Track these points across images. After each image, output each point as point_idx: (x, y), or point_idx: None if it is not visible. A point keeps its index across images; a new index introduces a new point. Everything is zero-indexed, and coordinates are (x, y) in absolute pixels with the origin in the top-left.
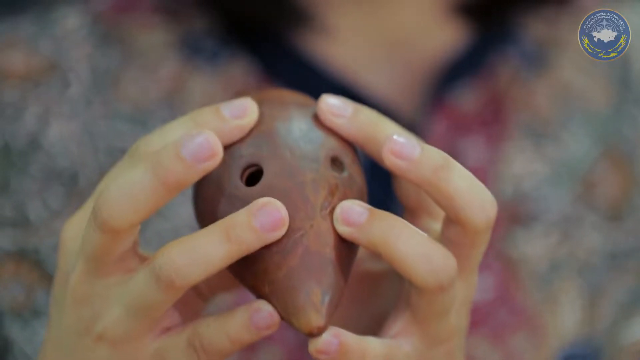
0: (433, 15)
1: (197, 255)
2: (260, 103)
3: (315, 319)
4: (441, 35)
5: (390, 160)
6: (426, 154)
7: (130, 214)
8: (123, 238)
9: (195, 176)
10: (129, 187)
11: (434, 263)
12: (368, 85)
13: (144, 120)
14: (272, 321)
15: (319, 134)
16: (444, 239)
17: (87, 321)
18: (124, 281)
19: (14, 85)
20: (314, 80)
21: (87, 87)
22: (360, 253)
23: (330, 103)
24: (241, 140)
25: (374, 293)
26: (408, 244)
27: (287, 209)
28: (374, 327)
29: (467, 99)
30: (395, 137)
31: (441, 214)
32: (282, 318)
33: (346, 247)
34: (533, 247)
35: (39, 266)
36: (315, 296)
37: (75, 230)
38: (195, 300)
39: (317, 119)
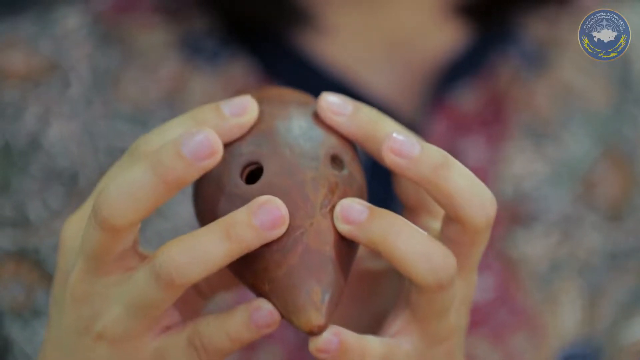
0: (433, 15)
1: (197, 253)
2: (260, 101)
3: (316, 317)
4: (441, 35)
5: (389, 158)
6: (426, 152)
7: (130, 212)
8: (123, 236)
9: (195, 174)
10: (128, 186)
11: (434, 262)
12: (368, 85)
13: (144, 120)
14: (272, 320)
15: (319, 132)
16: (443, 237)
17: (87, 320)
18: (124, 280)
19: (14, 85)
20: (314, 80)
21: (87, 87)
22: (360, 251)
23: (330, 101)
24: (241, 138)
25: (374, 291)
26: (408, 242)
27: (287, 207)
28: (373, 325)
29: (467, 98)
30: (395, 135)
31: (441, 212)
32: (282, 316)
33: (346, 246)
34: (533, 247)
35: (39, 266)
36: (315, 295)
37: (75, 229)
38: (196, 299)
39: (317, 117)
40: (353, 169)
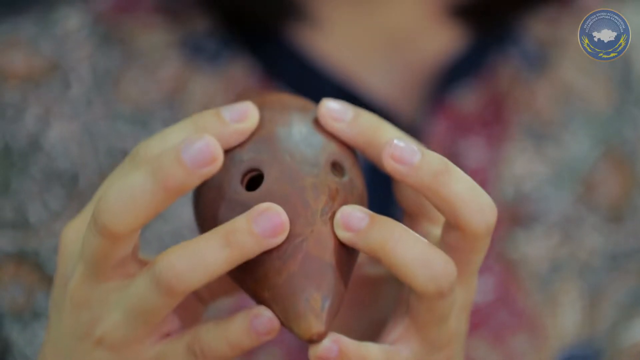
0: (433, 16)
1: (197, 260)
2: (260, 107)
3: (316, 325)
4: (441, 36)
5: (390, 165)
6: (426, 159)
7: (130, 219)
8: (123, 243)
9: (196, 181)
10: (129, 192)
11: (434, 269)
12: (368, 86)
13: (145, 121)
14: (271, 327)
15: (319, 139)
16: (443, 244)
17: (86, 325)
18: (124, 286)
19: (15, 85)
20: (314, 81)
21: (87, 88)
22: (360, 258)
23: (331, 107)
24: (242, 144)
25: (374, 298)
26: (408, 249)
27: (287, 214)
28: (373, 332)
29: (468, 99)
30: (395, 141)
31: (441, 219)
32: (282, 324)
33: (346, 253)
34: (534, 248)
35: (39, 268)
36: (315, 302)
37: (75, 233)
38: (196, 305)
39: (317, 123)
40: (353, 175)
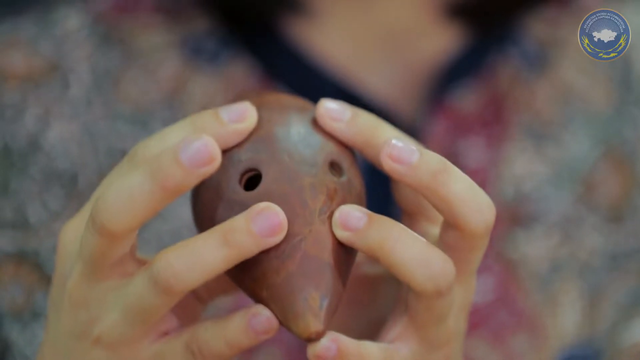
0: (433, 15)
1: (195, 259)
2: (259, 107)
3: (314, 324)
4: (441, 36)
5: (388, 165)
6: (424, 159)
7: (128, 218)
8: (121, 242)
9: (194, 181)
10: (127, 191)
11: (433, 268)
12: (368, 86)
13: (145, 121)
14: (270, 326)
15: (317, 139)
16: (442, 243)
17: (84, 325)
18: (122, 285)
19: (15, 86)
20: (314, 81)
21: (87, 88)
22: (359, 257)
23: (329, 107)
24: (240, 144)
25: (373, 298)
26: (406, 249)
27: (285, 213)
28: (372, 331)
29: (468, 99)
30: (393, 141)
31: (440, 218)
32: (281, 323)
33: (345, 252)
34: (533, 248)
35: (38, 268)
36: (313, 301)
37: (73, 233)
38: (194, 304)
39: (315, 124)
40: (352, 175)
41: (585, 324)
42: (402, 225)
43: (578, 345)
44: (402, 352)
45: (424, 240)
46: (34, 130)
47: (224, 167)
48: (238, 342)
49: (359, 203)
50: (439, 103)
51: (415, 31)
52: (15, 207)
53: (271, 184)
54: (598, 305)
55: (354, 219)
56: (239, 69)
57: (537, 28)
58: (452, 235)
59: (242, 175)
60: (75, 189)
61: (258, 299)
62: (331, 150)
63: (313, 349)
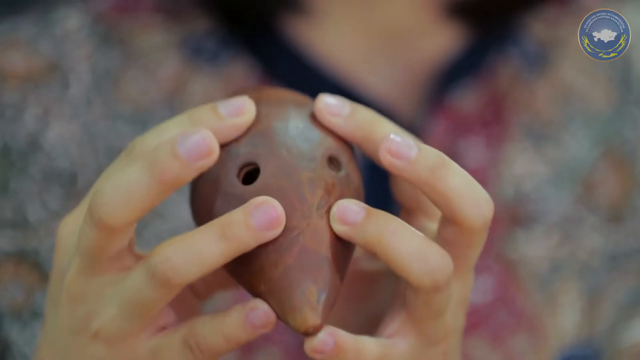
0: (433, 15)
1: (193, 253)
2: (257, 102)
3: (311, 317)
4: (441, 36)
5: (386, 160)
6: (423, 154)
7: (125, 212)
8: (119, 236)
9: (191, 174)
10: (124, 185)
11: (430, 263)
12: (368, 86)
13: (144, 121)
14: (267, 320)
15: (316, 133)
16: (440, 238)
17: (82, 319)
18: (120, 279)
19: (14, 85)
20: (314, 81)
21: (87, 88)
22: (357, 252)
23: (328, 102)
24: (238, 138)
25: (370, 292)
26: (404, 243)
27: (283, 207)
28: (370, 326)
29: (468, 99)
30: (392, 136)
31: (438, 213)
32: (278, 317)
33: (342, 246)
34: (533, 248)
35: (38, 267)
36: (311, 295)
37: (71, 228)
38: (191, 299)
39: (314, 118)
40: (350, 170)
41: (585, 324)
42: (399, 220)
43: (578, 345)
44: (400, 347)
45: (421, 234)
46: (34, 130)
47: (222, 161)
48: (236, 336)
49: (357, 198)
50: (439, 103)
51: (415, 31)
52: (15, 206)
53: (269, 178)
54: (598, 306)
55: (351, 213)
56: (239, 69)
57: (537, 28)
58: (450, 231)
59: (240, 169)
60: (74, 188)
61: (256, 293)
62: (329, 145)
63: (310, 343)
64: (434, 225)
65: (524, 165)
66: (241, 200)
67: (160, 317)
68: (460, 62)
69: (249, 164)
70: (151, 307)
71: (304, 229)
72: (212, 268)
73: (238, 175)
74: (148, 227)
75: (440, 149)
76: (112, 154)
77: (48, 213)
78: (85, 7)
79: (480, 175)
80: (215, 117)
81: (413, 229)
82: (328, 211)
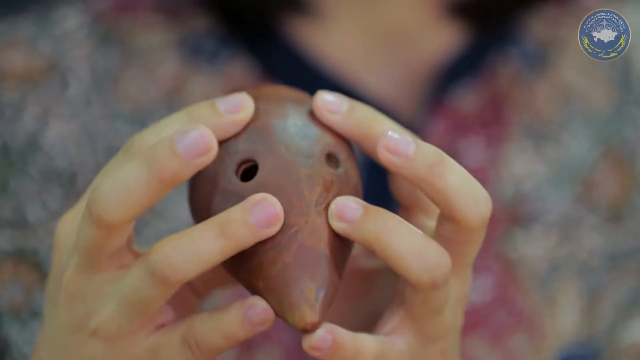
0: (433, 15)
1: (192, 250)
2: (256, 99)
3: (309, 315)
4: (441, 35)
5: (385, 157)
6: (421, 151)
7: (124, 209)
8: (117, 233)
9: (190, 171)
10: (123, 183)
11: (428, 260)
12: (368, 85)
13: (144, 121)
14: (266, 317)
15: (314, 130)
16: (438, 236)
17: (81, 317)
18: (118, 277)
19: (14, 85)
20: (313, 80)
21: (86, 88)
22: (356, 250)
23: (326, 99)
24: (236, 135)
25: (369, 290)
26: (402, 240)
27: (282, 204)
28: (368, 324)
29: (467, 99)
30: (390, 133)
31: (436, 211)
32: (277, 314)
33: (341, 243)
34: (533, 248)
35: (37, 267)
36: (309, 292)
37: (69, 226)
38: (190, 297)
39: (312, 115)
40: (348, 167)
41: (584, 323)
42: (398, 217)
43: (577, 345)
44: (398, 344)
45: (419, 232)
46: (33, 129)
47: (220, 158)
48: (234, 333)
49: (356, 195)
50: (439, 102)
51: (416, 31)
52: (15, 206)
53: (268, 175)
54: (597, 305)
55: (350, 210)
56: (239, 69)
57: (537, 28)
58: (448, 228)
59: (239, 166)
60: (74, 188)
61: (254, 291)
62: (328, 142)
63: (308, 340)
64: (432, 223)
65: (523, 165)
66: (239, 197)
67: (159, 315)
68: (460, 62)
69: (247, 160)
70: (150, 304)
71: (302, 226)
72: (211, 265)
73: (236, 172)
74: (147, 226)
75: (440, 149)
76: (112, 153)
77: (47, 213)
78: (85, 6)
79: (480, 175)
80: (214, 114)
81: (411, 226)
82: (326, 208)
